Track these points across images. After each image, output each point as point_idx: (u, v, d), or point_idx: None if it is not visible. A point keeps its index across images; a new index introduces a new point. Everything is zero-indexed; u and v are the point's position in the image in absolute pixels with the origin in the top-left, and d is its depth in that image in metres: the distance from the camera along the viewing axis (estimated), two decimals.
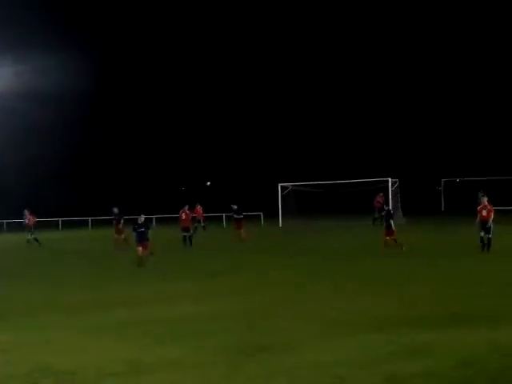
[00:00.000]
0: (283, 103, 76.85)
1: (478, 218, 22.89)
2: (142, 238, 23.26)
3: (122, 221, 33.33)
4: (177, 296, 15.73)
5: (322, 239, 33.39)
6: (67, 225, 55.85)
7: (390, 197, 43.59)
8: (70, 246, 35.64)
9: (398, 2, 72.44)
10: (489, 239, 22.46)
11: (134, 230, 23.76)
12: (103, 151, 77.33)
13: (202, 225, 42.57)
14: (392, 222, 25.90)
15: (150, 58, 77.25)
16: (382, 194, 42.76)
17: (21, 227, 40.98)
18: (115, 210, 34.08)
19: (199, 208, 42.33)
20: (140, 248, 23.06)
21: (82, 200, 65.92)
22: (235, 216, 33.91)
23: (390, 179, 44.30)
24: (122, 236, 32.31)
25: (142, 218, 23.79)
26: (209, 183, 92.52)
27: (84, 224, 55.35)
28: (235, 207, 33.98)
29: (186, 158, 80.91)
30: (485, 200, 22.96)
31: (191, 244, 30.33)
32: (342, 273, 19.26)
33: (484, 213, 22.65)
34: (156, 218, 53.70)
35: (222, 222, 50.75)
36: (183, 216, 31.00)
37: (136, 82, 77.18)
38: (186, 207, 31.62)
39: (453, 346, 9.87)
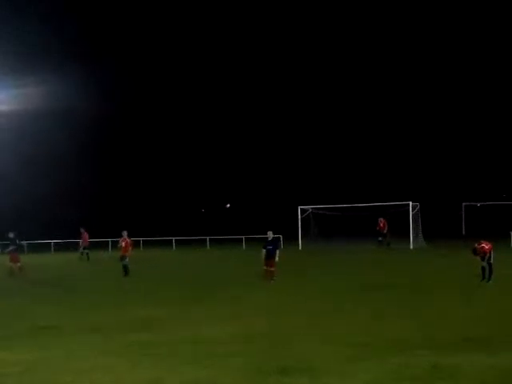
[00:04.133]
0: (304, 126, 77.25)
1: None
2: None
3: (18, 247, 29.25)
4: (200, 318, 15.78)
5: (342, 262, 33.30)
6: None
7: (411, 221, 43.60)
8: (92, 267, 35.84)
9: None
10: (490, 271, 21.91)
11: None
12: (121, 172, 77.96)
13: (86, 252, 40.31)
14: (277, 252, 23.53)
15: (168, 77, 78.18)
16: (381, 219, 43.42)
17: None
18: (11, 234, 28.79)
19: (85, 234, 40.64)
20: None
21: (100, 222, 66.24)
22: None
23: (410, 203, 44.36)
24: (18, 264, 29.03)
25: None
26: (228, 205, 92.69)
27: (105, 245, 55.57)
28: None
29: (206, 180, 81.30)
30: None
31: (126, 273, 27.24)
32: (361, 296, 19.21)
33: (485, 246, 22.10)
34: (176, 239, 54.00)
35: (242, 244, 50.88)
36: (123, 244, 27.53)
37: (155, 101, 78.09)
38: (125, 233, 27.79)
39: (472, 369, 9.87)
